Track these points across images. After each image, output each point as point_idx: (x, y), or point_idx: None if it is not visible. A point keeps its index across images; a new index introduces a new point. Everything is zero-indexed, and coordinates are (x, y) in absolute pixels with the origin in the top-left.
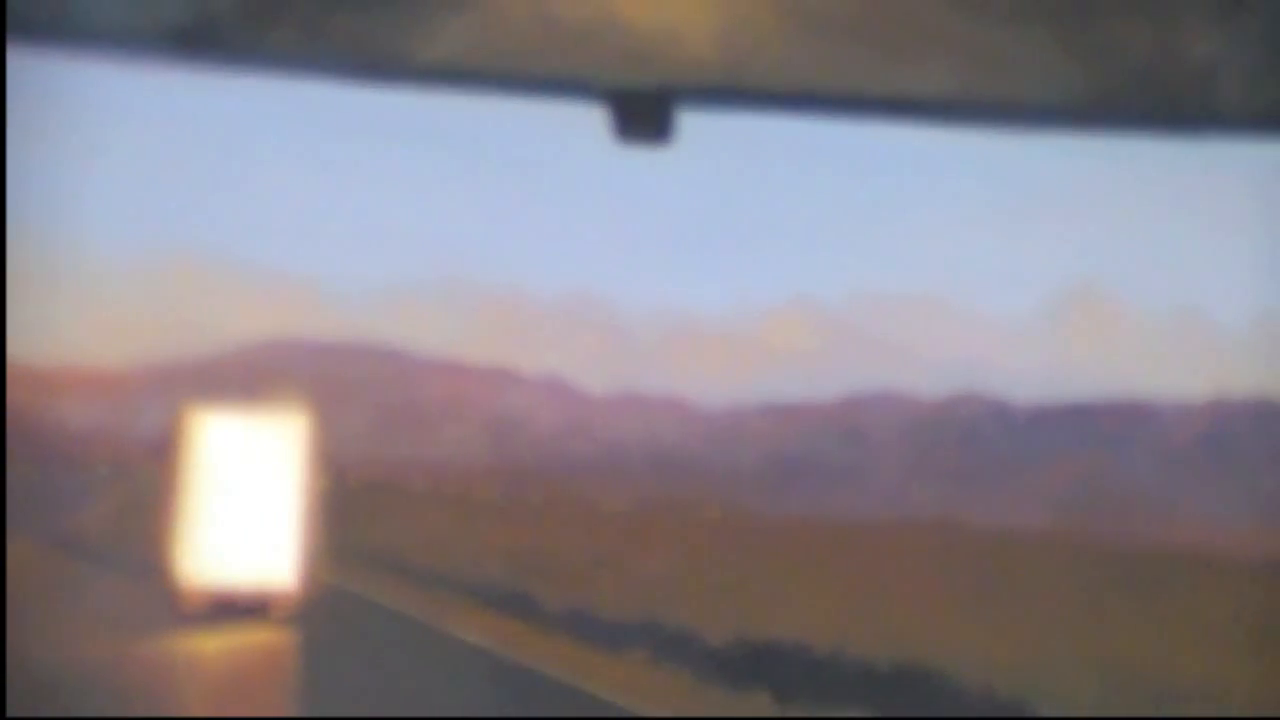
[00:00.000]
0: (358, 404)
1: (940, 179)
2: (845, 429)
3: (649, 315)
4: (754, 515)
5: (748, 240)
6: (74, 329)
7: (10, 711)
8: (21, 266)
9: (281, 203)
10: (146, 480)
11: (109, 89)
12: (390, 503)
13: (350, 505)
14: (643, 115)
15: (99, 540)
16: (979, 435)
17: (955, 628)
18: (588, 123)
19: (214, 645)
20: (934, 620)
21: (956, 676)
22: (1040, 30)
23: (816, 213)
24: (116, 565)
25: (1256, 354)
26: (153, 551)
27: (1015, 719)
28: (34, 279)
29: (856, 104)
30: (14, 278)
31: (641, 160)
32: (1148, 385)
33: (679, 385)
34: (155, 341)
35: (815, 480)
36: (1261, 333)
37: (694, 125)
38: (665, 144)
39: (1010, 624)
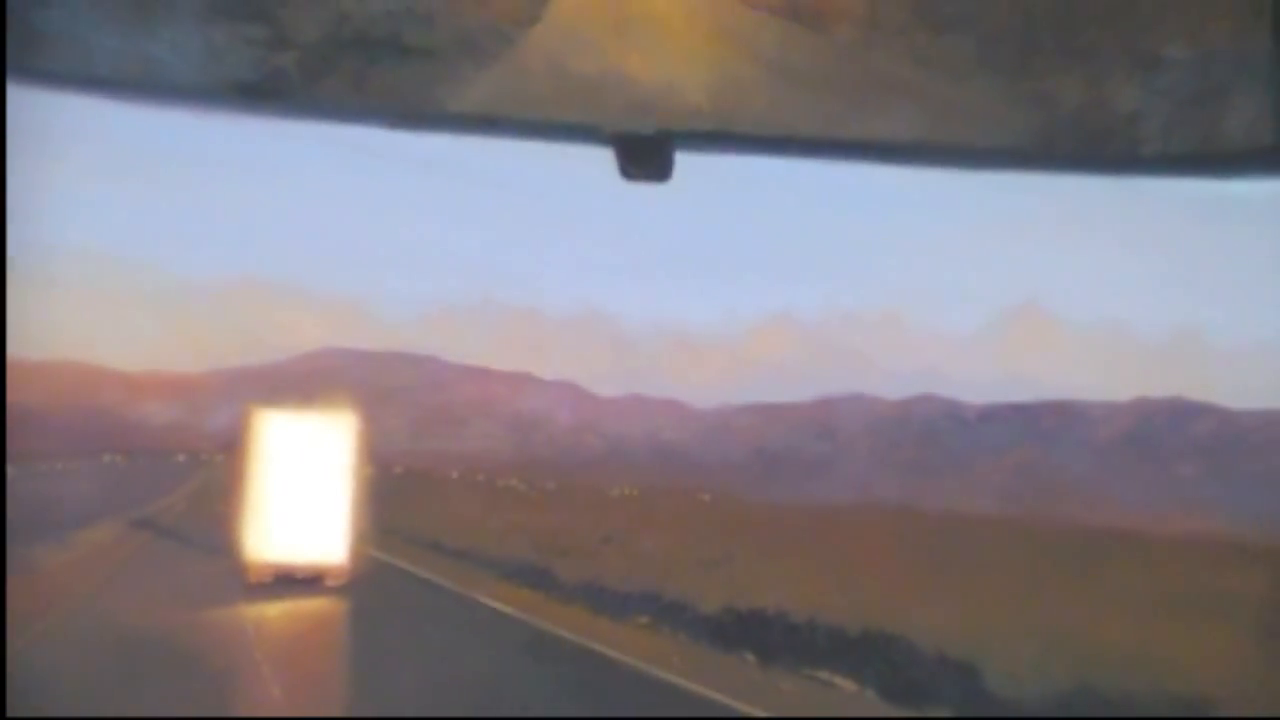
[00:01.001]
0: (399, 404)
1: (902, 212)
2: (819, 427)
3: (650, 329)
4: (740, 500)
5: (735, 265)
6: (157, 341)
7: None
8: (113, 290)
9: (332, 233)
10: (218, 470)
11: (184, 136)
12: (427, 489)
13: (392, 491)
14: (645, 157)
15: (176, 521)
16: (934, 432)
17: (913, 598)
18: (597, 163)
19: (276, 611)
20: (895, 591)
21: (914, 640)
22: (988, 84)
23: (795, 242)
24: (192, 542)
25: (1172, 362)
26: (224, 531)
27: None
28: (122, 301)
29: (830, 147)
30: (107, 301)
31: (644, 196)
32: (1079, 389)
33: (676, 389)
34: (226, 352)
35: (793, 470)
36: (1176, 344)
37: (689, 165)
38: (665, 181)
39: (960, 595)
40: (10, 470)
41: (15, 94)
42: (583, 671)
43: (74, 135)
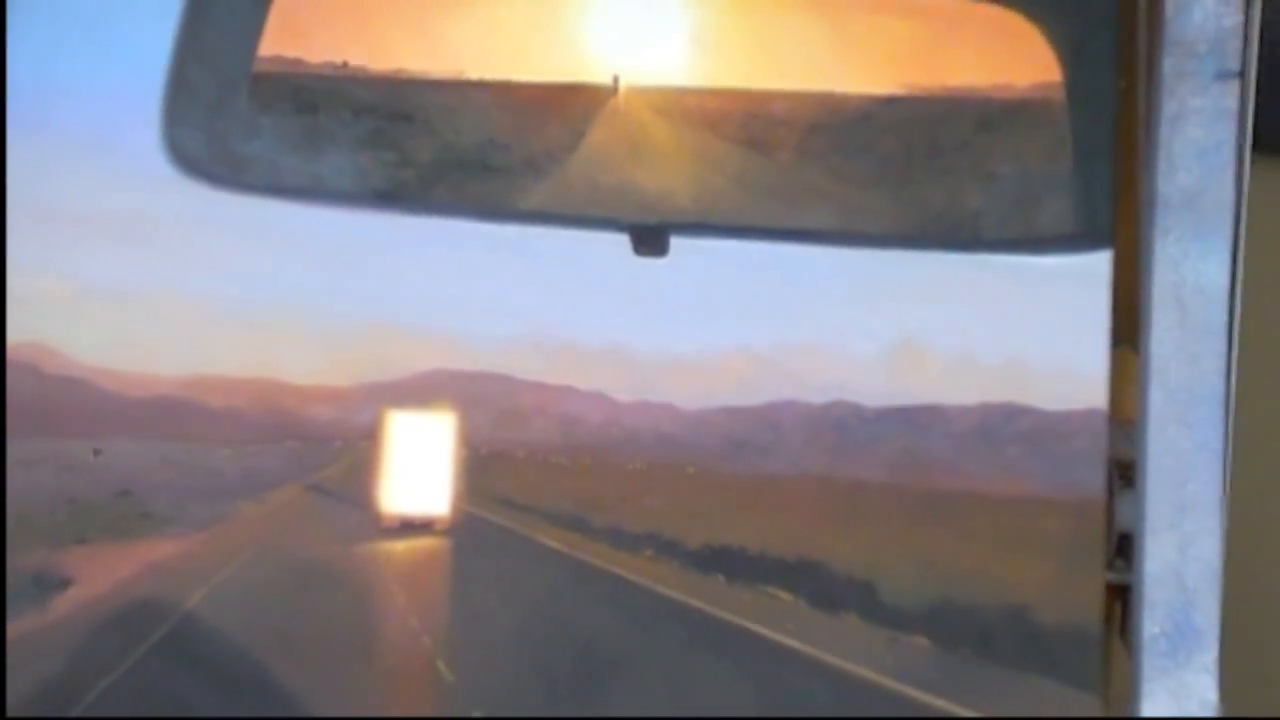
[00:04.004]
0: (483, 408)
1: (822, 278)
2: (767, 422)
3: (653, 355)
4: (714, 472)
5: (709, 312)
6: (320, 364)
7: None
8: (290, 328)
9: (438, 290)
10: (363, 451)
11: (337, 227)
12: (502, 465)
13: (479, 465)
14: (649, 240)
15: (334, 486)
16: (845, 426)
17: (830, 537)
18: (617, 245)
19: (400, 547)
20: (818, 533)
21: (831, 565)
22: (881, 193)
23: (749, 297)
24: (344, 500)
25: (1004, 378)
26: (366, 492)
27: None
28: (296, 335)
29: (774, 233)
30: (286, 336)
31: (649, 267)
32: (941, 396)
33: (670, 396)
34: (365, 371)
35: (750, 452)
36: (1007, 365)
37: (680, 246)
38: (663, 257)
39: (863, 535)
40: (224, 451)
41: (235, 206)
42: (606, 588)
43: (263, 231)
